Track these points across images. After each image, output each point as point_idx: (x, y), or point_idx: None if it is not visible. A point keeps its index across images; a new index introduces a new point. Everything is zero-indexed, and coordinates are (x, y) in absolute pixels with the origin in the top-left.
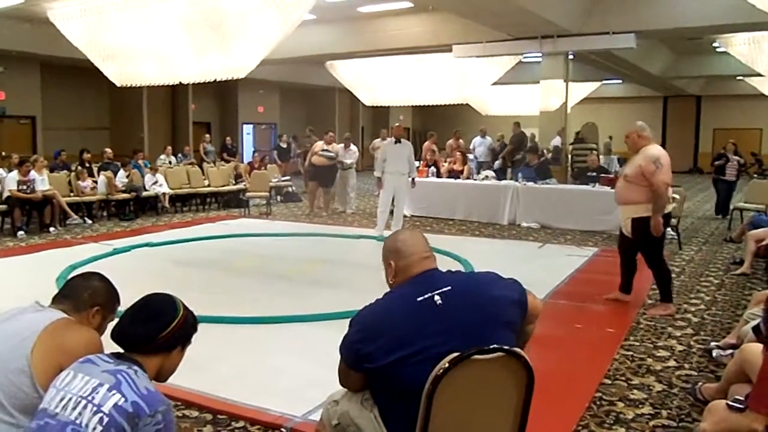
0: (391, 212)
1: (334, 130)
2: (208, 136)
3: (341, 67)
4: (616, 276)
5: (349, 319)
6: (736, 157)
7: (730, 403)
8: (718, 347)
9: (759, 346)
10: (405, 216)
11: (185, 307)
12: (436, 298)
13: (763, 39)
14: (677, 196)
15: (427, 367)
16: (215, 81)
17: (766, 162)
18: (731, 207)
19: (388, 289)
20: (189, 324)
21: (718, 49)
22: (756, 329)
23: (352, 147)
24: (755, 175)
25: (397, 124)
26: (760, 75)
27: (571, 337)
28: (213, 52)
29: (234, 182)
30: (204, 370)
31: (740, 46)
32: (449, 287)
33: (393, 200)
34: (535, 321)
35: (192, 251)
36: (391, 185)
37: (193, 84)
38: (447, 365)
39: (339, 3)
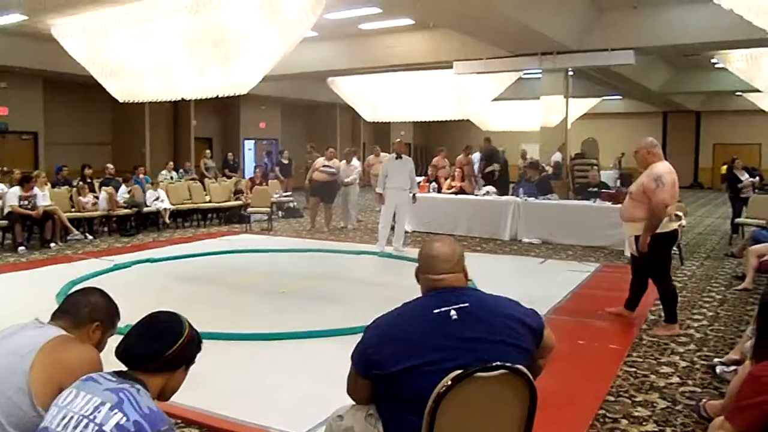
0: (393, 228)
1: (335, 146)
2: (209, 151)
3: (342, 83)
4: (618, 291)
5: (364, 329)
6: (746, 176)
7: None
8: (722, 363)
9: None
10: (406, 232)
11: (191, 326)
12: (452, 312)
13: (761, 55)
14: (681, 214)
15: (435, 379)
16: (217, 97)
17: (767, 177)
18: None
19: (392, 304)
20: (194, 343)
21: (716, 65)
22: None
23: (354, 162)
24: (756, 190)
25: (398, 140)
26: (758, 91)
27: (574, 354)
28: (215, 68)
29: (235, 198)
30: (205, 387)
31: (738, 63)
32: (467, 304)
33: (394, 216)
34: (547, 356)
35: (193, 267)
36: (393, 201)
37: (195, 100)
38: (450, 382)
39: (340, 20)
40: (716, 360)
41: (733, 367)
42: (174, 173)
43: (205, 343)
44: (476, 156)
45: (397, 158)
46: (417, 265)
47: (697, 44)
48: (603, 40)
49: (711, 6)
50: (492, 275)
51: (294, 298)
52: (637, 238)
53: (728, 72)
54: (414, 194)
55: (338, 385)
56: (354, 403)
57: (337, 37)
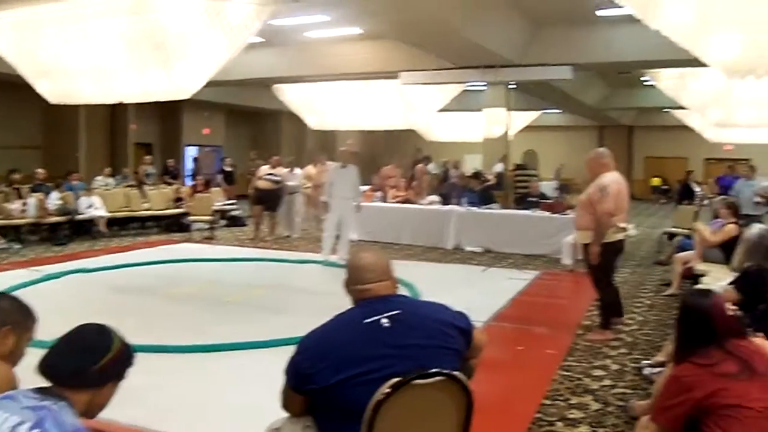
0: (338, 237)
1: (280, 154)
2: (149, 157)
3: (288, 90)
4: (556, 298)
5: (297, 343)
6: (698, 188)
7: None
8: (650, 365)
9: None
10: (352, 240)
11: (121, 339)
12: (384, 320)
13: (686, 74)
14: (624, 225)
15: (371, 389)
16: (158, 101)
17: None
18: (661, 232)
19: (335, 313)
20: (125, 357)
21: (647, 83)
22: None
23: (297, 170)
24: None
25: (343, 147)
26: (684, 108)
27: (513, 359)
28: (155, 71)
29: (176, 206)
30: (141, 401)
31: (667, 81)
32: (398, 311)
33: (340, 225)
34: (478, 356)
35: (130, 277)
36: (337, 210)
37: (135, 103)
38: (388, 390)
39: (287, 27)
40: (644, 362)
41: (659, 369)
42: (111, 179)
43: (141, 357)
44: (431, 166)
45: (342, 167)
46: (345, 277)
47: (630, 62)
48: (543, 55)
49: (642, 27)
50: (435, 283)
51: (236, 309)
52: (586, 246)
53: (658, 89)
54: (358, 203)
55: (277, 396)
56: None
57: (283, 44)
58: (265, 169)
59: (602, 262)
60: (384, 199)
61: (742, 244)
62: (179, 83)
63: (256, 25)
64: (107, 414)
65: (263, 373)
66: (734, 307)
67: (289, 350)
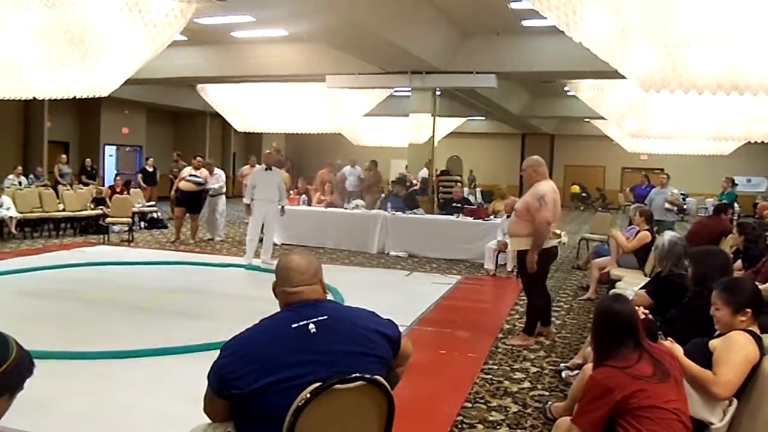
0: (261, 240)
1: (204, 155)
2: (64, 156)
3: (212, 90)
4: (477, 302)
5: (220, 348)
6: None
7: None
8: (567, 368)
9: None
10: (276, 244)
11: (19, 348)
12: (311, 326)
13: (605, 86)
14: (558, 232)
15: (293, 395)
16: (75, 98)
17: (609, 197)
18: (580, 238)
19: (259, 317)
20: (22, 367)
21: (568, 93)
22: None
23: (217, 171)
24: (600, 208)
25: (268, 151)
26: (603, 118)
27: (435, 363)
28: (73, 67)
29: (93, 207)
30: (52, 411)
31: (586, 91)
32: (325, 317)
33: (263, 228)
34: (405, 364)
35: (41, 281)
36: (261, 213)
37: (50, 100)
38: (308, 395)
39: (212, 26)
40: (562, 365)
41: (576, 371)
42: (23, 178)
43: (51, 364)
44: (347, 170)
45: (266, 169)
46: (275, 282)
47: (552, 72)
48: (468, 63)
49: (565, 39)
50: (359, 288)
51: (154, 314)
52: (518, 253)
53: (578, 99)
54: (282, 206)
55: (198, 402)
56: (211, 421)
57: (208, 43)
58: (187, 171)
59: (537, 268)
60: (309, 203)
61: (654, 251)
62: (97, 80)
63: (181, 23)
64: (14, 423)
65: (182, 379)
66: (646, 311)
67: (210, 356)
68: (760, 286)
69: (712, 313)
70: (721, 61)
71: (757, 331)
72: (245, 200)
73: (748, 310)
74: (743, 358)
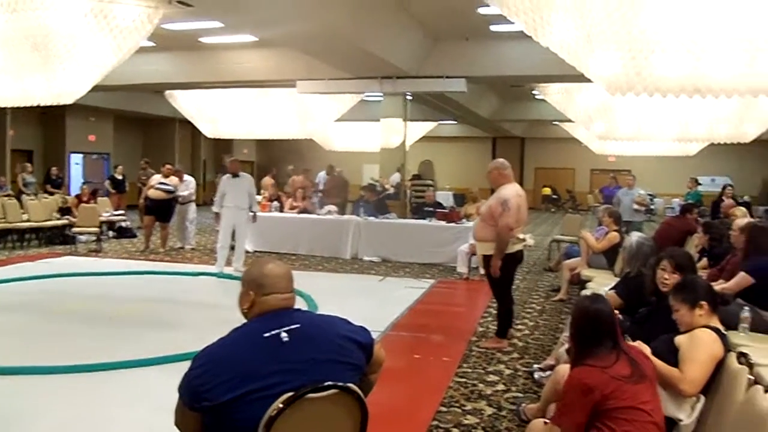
0: (233, 247)
1: (173, 162)
2: (28, 165)
3: (181, 97)
4: (451, 306)
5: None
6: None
7: (547, 420)
8: (540, 369)
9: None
10: (248, 252)
11: None
12: (283, 335)
13: (573, 89)
14: (522, 236)
15: (266, 405)
16: (39, 106)
17: (579, 199)
18: (551, 239)
19: (232, 327)
20: None
21: (537, 97)
22: (569, 350)
23: (187, 178)
24: (570, 210)
25: (232, 158)
26: (571, 121)
27: (410, 368)
28: (36, 74)
29: (59, 217)
30: (20, 427)
31: (555, 95)
32: (298, 325)
33: (234, 235)
34: (378, 371)
35: (5, 294)
36: (230, 220)
37: (13, 108)
38: (281, 405)
39: (180, 32)
40: (535, 366)
41: (548, 372)
42: None
43: (17, 380)
44: (321, 175)
45: (234, 177)
46: (244, 289)
47: (521, 76)
48: (438, 67)
49: (533, 43)
50: (332, 294)
51: (124, 325)
52: (486, 257)
53: (547, 103)
54: (254, 213)
55: (171, 415)
56: None
57: (176, 49)
58: (156, 178)
59: (502, 273)
60: (281, 209)
61: (622, 252)
62: (62, 87)
63: (147, 29)
64: None
65: (154, 392)
66: (616, 311)
67: (181, 367)
68: (725, 284)
69: (674, 317)
70: (683, 65)
71: (720, 327)
72: (214, 209)
73: (704, 303)
74: (708, 355)
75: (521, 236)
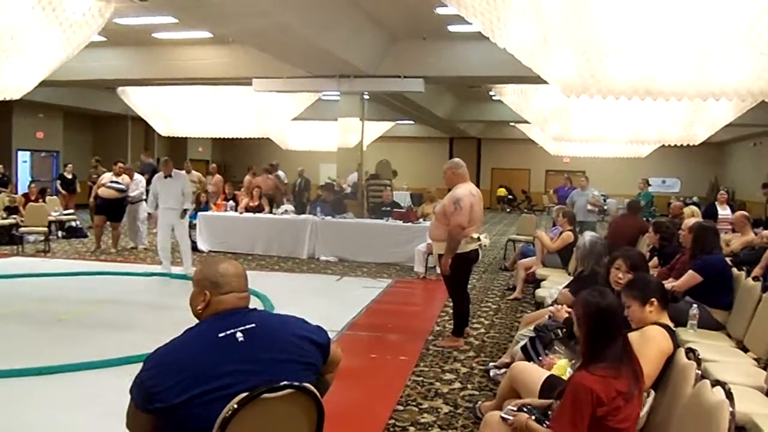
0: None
1: (126, 161)
2: None
3: (134, 93)
4: (408, 306)
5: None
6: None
7: (503, 415)
8: (495, 367)
9: (526, 364)
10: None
11: None
12: (238, 334)
13: (529, 91)
14: (476, 235)
15: (221, 406)
16: None
17: (535, 199)
18: (507, 239)
19: (185, 328)
20: None
21: (494, 98)
22: (524, 349)
23: (137, 177)
24: (525, 210)
25: (165, 158)
26: (527, 122)
27: (367, 367)
28: None
29: (5, 216)
30: None
31: (511, 96)
32: (253, 324)
33: (175, 235)
34: (335, 370)
35: None
36: (166, 220)
37: None
38: (236, 406)
39: (132, 27)
40: (491, 364)
41: (503, 370)
42: None
43: None
44: (281, 174)
45: (166, 177)
46: (197, 288)
47: (478, 77)
48: (396, 67)
49: (489, 44)
50: (289, 294)
51: (73, 327)
52: (441, 257)
53: (503, 104)
54: (184, 210)
55: (121, 419)
56: None
57: (128, 44)
58: (107, 177)
59: (456, 272)
60: (236, 209)
61: (576, 251)
62: (8, 82)
63: (98, 23)
64: None
65: (106, 395)
66: (570, 310)
67: (132, 369)
68: (674, 283)
69: (626, 314)
70: (635, 68)
71: (670, 324)
72: (148, 209)
73: (654, 300)
74: (658, 351)
75: (476, 236)
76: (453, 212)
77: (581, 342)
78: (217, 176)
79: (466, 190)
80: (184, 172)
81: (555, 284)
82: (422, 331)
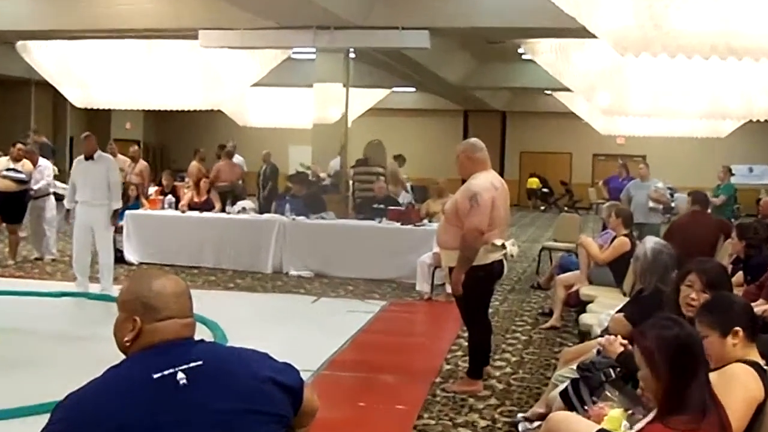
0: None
1: (26, 141)
2: None
3: (39, 50)
4: (408, 337)
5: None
6: None
7: None
8: (526, 419)
9: (567, 415)
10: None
11: None
12: (180, 375)
13: (570, 47)
14: (499, 242)
15: None
16: None
17: (576, 192)
18: (540, 247)
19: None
20: None
21: (524, 57)
22: (564, 394)
23: (42, 163)
24: (566, 208)
25: (86, 134)
26: (568, 90)
27: (353, 420)
28: None
29: None
30: None
31: (547, 54)
32: (200, 362)
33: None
34: (309, 423)
35: None
36: (85, 219)
37: None
38: None
39: None
40: (519, 416)
41: (537, 423)
42: None
43: None
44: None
45: (87, 159)
46: (123, 314)
47: (501, 29)
48: (392, 16)
49: None
50: (248, 321)
51: None
52: (452, 270)
53: (536, 65)
54: (115, 210)
55: None
56: None
57: None
58: (3, 163)
59: (473, 292)
60: (176, 206)
61: (634, 263)
62: None
63: None
64: None
65: None
66: (625, 341)
67: (37, 421)
68: (764, 306)
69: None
70: (713, 17)
71: (760, 361)
72: (66, 204)
73: (738, 328)
74: (745, 396)
75: (499, 242)
76: (468, 211)
77: (654, 387)
78: (142, 162)
79: (486, 181)
80: (109, 155)
81: (605, 308)
82: (427, 370)
